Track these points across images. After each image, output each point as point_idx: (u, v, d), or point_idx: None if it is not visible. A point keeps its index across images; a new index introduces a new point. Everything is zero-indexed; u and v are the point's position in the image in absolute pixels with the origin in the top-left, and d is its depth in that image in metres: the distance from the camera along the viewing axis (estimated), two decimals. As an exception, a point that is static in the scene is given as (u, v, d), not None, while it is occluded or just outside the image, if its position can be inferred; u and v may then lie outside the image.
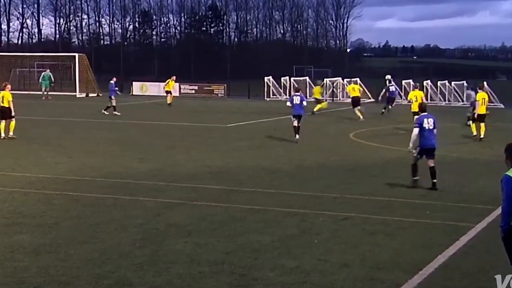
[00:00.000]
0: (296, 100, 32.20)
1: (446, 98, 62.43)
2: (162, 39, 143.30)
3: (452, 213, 17.04)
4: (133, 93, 71.61)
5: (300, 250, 13.51)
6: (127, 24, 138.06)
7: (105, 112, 45.92)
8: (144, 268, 12.20)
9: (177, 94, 70.29)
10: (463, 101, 61.39)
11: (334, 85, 66.06)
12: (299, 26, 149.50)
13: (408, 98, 40.94)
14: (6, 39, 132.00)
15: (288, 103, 33.18)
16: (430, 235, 14.83)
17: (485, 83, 42.85)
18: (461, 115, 44.91)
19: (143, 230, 14.99)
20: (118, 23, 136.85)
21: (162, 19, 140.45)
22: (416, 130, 20.44)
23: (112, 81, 48.96)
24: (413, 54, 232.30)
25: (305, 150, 28.98)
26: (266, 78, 67.23)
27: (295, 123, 31.57)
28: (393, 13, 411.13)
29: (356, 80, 58.76)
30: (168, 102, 55.86)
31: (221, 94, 70.82)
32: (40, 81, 64.44)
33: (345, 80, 66.46)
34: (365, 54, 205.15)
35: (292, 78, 67.86)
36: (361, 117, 42.60)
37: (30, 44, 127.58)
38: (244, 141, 31.73)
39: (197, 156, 26.62)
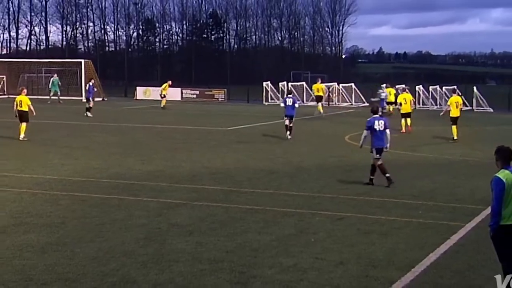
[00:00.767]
0: (289, 101, 34.36)
1: (438, 102, 62.49)
2: (165, 46, 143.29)
3: (444, 213, 17.03)
4: (137, 98, 71.71)
5: (297, 249, 13.49)
6: (131, 31, 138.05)
7: (89, 114, 46.86)
8: (147, 266, 12.18)
9: (179, 99, 70.45)
10: (466, 106, 61.50)
11: (330, 90, 66.07)
12: (296, 33, 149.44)
13: (398, 101, 41.18)
14: (15, 46, 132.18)
15: (282, 104, 35.75)
16: (423, 234, 14.82)
17: (462, 87, 43.17)
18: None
19: (146, 229, 14.97)
20: (122, 30, 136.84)
21: (164, 26, 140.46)
22: (365, 132, 21.24)
23: (90, 83, 49.90)
24: (406, 60, 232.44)
25: (302, 152, 28.98)
26: (264, 83, 67.35)
27: (287, 122, 33.63)
28: (387, 21, 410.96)
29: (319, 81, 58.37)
30: (162, 105, 56.41)
31: (221, 98, 70.85)
32: (49, 86, 64.38)
33: (340, 85, 66.58)
34: (360, 60, 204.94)
35: (289, 83, 67.93)
36: (321, 111, 43.41)
37: (38, 51, 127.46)
38: (244, 144, 31.72)
39: (198, 158, 26.60)
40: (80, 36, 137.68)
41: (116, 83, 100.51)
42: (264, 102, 65.85)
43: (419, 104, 60.89)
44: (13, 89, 71.57)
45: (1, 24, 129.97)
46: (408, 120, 38.71)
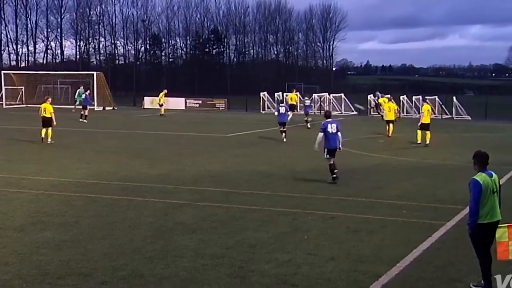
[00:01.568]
0: (282, 110, 36.82)
1: (420, 111, 62.41)
2: (170, 59, 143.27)
3: (426, 212, 17.02)
4: (145, 107, 71.77)
5: (292, 245, 13.48)
6: (139, 46, 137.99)
7: (84, 120, 48.07)
8: (154, 262, 12.16)
9: (183, 108, 70.49)
10: (434, 113, 61.60)
11: (322, 99, 66.12)
12: (290, 47, 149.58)
13: (383, 108, 41.55)
14: (33, 59, 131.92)
15: (276, 112, 37.70)
16: (407, 232, 14.81)
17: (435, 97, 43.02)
18: (434, 125, 44.75)
19: (153, 227, 14.96)
20: (131, 45, 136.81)
21: (170, 41, 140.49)
22: (320, 134, 21.71)
23: (86, 93, 52.10)
24: (391, 73, 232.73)
25: (297, 156, 28.96)
26: (261, 94, 67.39)
27: (282, 128, 35.61)
28: (374, 37, 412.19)
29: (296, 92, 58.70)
30: (162, 113, 57.73)
31: (222, 107, 70.95)
32: (75, 97, 63.67)
33: (331, 95, 66.62)
34: (349, 73, 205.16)
35: (284, 94, 67.97)
36: (290, 115, 44.05)
37: (54, 64, 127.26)
38: (243, 149, 31.69)
39: (200, 162, 26.58)
40: (93, 50, 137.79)
41: (126, 93, 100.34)
42: (261, 111, 65.79)
43: (403, 112, 60.94)
44: (30, 99, 71.71)
45: (20, 40, 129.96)
46: (391, 126, 39.07)
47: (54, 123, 33.17)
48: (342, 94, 65.54)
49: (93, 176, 22.61)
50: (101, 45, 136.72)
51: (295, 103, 55.34)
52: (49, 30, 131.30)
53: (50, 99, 34.89)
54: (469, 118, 58.76)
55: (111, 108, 68.03)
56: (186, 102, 72.79)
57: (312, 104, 48.39)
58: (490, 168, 10.93)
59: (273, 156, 28.90)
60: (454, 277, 11.51)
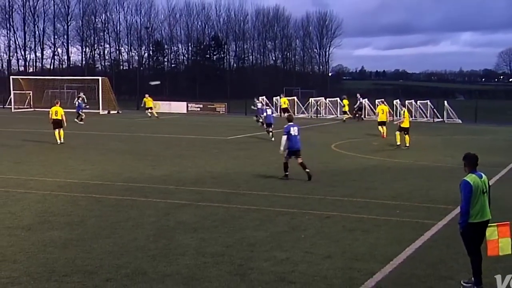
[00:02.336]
0: (269, 111, 38.94)
1: (413, 114, 62.51)
2: (172, 65, 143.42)
3: (419, 212, 17.01)
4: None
5: (289, 244, 13.46)
6: (143, 52, 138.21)
7: (80, 121, 50.20)
8: (157, 259, 12.14)
9: (185, 111, 70.51)
10: (426, 117, 61.70)
11: (318, 103, 66.14)
12: (288, 53, 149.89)
13: (376, 111, 41.71)
14: (40, 65, 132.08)
15: (264, 114, 39.56)
16: (400, 231, 14.79)
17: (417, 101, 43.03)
18: (426, 128, 44.93)
19: (156, 227, 14.93)
20: (135, 51, 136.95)
21: (172, 48, 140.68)
22: (284, 137, 22.27)
23: (79, 100, 54.86)
24: (385, 78, 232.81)
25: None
26: (260, 98, 67.24)
27: (269, 129, 37.14)
28: (369, 43, 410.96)
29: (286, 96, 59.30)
30: (155, 115, 58.93)
31: (222, 111, 70.96)
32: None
33: (327, 99, 66.65)
34: (344, 78, 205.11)
35: (274, 98, 68.09)
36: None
37: (61, 69, 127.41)
38: (242, 151, 31.66)
39: (201, 164, 26.55)
40: (98, 56, 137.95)
41: (129, 97, 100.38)
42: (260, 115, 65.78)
43: (396, 116, 60.96)
44: (38, 103, 71.69)
45: (28, 46, 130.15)
46: (384, 127, 39.33)
47: (65, 124, 34.23)
48: (338, 99, 65.50)
49: (97, 177, 22.59)
50: (106, 51, 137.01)
51: (287, 107, 57.05)
52: (56, 37, 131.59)
53: (59, 102, 36.25)
54: (460, 122, 58.82)
55: (115, 111, 68.02)
56: (187, 106, 72.81)
57: (264, 108, 48.75)
58: (480, 170, 10.93)
59: (271, 158, 28.84)
60: (445, 275, 11.50)
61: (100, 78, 71.26)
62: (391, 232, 14.71)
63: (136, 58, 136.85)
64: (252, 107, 51.35)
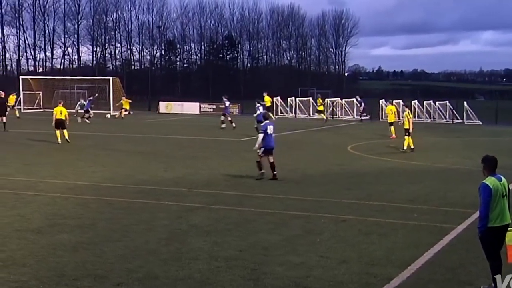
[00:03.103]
0: (261, 109, 41.33)
1: (431, 115, 62.43)
2: (185, 65, 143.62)
3: (437, 215, 16.97)
4: (160, 111, 71.93)
5: (304, 248, 13.47)
6: (155, 51, 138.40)
7: (87, 120, 52.00)
8: (168, 263, 12.18)
9: (198, 112, 70.59)
10: (445, 118, 61.51)
11: (334, 104, 66.06)
12: (303, 53, 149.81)
13: (386, 112, 41.76)
14: (50, 65, 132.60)
15: (258, 111, 41.68)
16: (418, 235, 14.76)
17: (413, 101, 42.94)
18: (445, 130, 44.79)
19: (168, 230, 14.98)
20: (146, 50, 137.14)
21: (184, 47, 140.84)
22: (261, 135, 23.04)
23: (90, 98, 57.76)
24: (403, 78, 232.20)
25: (309, 160, 28.96)
26: (275, 98, 67.18)
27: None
28: (386, 42, 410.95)
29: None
30: (121, 116, 60.44)
31: (235, 112, 70.75)
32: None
33: (343, 100, 66.57)
34: (361, 78, 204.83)
35: (297, 99, 68.03)
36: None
37: (71, 69, 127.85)
38: (255, 153, 31.60)
39: (214, 165, 26.60)
40: (109, 56, 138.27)
41: (141, 98, 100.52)
42: (274, 116, 65.77)
43: (414, 117, 60.88)
44: (48, 103, 71.88)
45: (38, 45, 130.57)
46: (392, 128, 39.63)
47: (67, 122, 35.64)
48: (354, 99, 65.41)
49: (108, 179, 22.67)
50: (117, 51, 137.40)
51: (269, 105, 58.10)
52: (66, 36, 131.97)
53: (62, 102, 38.07)
54: (480, 123, 58.55)
55: (126, 113, 68.15)
56: (200, 107, 72.87)
57: (228, 104, 49.36)
58: (500, 172, 10.90)
59: (285, 160, 28.84)
60: (464, 280, 11.47)
61: (111, 78, 71.41)
62: (409, 236, 14.69)
63: (148, 57, 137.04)
64: (221, 105, 51.79)
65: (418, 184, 22.50)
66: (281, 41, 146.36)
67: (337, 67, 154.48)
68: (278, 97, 67.63)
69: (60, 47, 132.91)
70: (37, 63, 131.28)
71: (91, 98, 58.71)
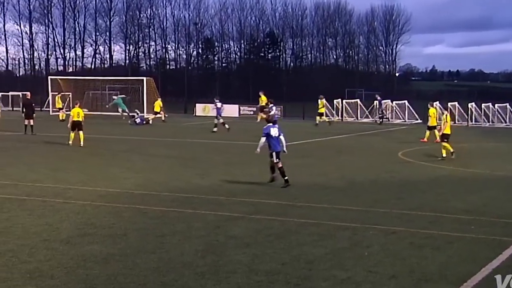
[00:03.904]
0: (275, 109, 43.62)
1: (490, 119, 61.80)
2: (223, 64, 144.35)
3: (496, 228, 16.78)
4: (196, 114, 72.15)
5: (351, 262, 13.41)
6: (191, 50, 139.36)
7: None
8: (205, 277, 12.20)
9: (237, 115, 70.71)
10: (505, 122, 60.87)
11: (384, 107, 65.71)
12: (351, 51, 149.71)
13: (429, 114, 41.58)
14: (80, 64, 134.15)
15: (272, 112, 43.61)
16: (475, 249, 14.61)
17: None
18: (504, 135, 44.25)
19: (204, 241, 15.01)
20: (183, 49, 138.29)
21: (223, 45, 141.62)
22: (263, 139, 23.27)
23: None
24: (458, 78, 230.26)
25: (356, 167, 28.85)
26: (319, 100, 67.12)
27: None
28: (441, 40, 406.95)
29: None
30: (162, 118, 60.15)
31: (277, 115, 70.62)
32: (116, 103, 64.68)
33: (394, 102, 66.19)
34: (413, 78, 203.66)
35: (344, 100, 67.86)
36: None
37: (102, 69, 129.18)
38: (299, 159, 31.58)
39: (254, 172, 26.59)
40: (142, 54, 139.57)
41: (176, 99, 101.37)
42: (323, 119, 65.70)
43: (471, 121, 60.42)
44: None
45: (68, 44, 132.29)
46: (428, 132, 39.70)
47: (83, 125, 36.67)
48: (406, 101, 65.06)
49: (141, 186, 22.82)
50: (151, 49, 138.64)
51: (264, 105, 58.95)
52: (97, 33, 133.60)
53: (79, 103, 39.31)
54: (544, 128, 57.90)
55: (161, 116, 68.54)
56: (239, 109, 73.04)
57: (220, 106, 49.56)
58: None
59: (330, 166, 28.82)
60: (526, 298, 11.32)
61: (144, 78, 71.76)
62: (465, 250, 14.54)
63: (184, 56, 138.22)
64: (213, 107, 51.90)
65: (476, 193, 22.28)
66: (327, 38, 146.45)
67: (387, 66, 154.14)
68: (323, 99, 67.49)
69: (91, 45, 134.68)
70: (66, 63, 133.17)
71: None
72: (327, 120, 58.58)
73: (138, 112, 59.94)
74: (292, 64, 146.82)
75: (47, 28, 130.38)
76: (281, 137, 23.59)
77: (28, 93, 47.66)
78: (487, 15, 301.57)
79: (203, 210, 18.56)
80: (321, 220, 17.36)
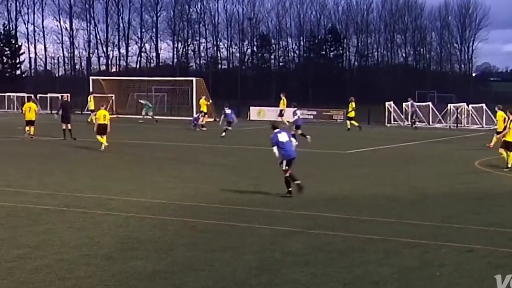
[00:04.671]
0: (299, 113, 46.06)
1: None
2: (280, 63, 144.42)
3: None
4: (250, 118, 72.08)
5: (421, 282, 13.32)
6: (245, 48, 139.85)
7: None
8: (259, 297, 12.22)
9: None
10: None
11: (459, 111, 65.02)
12: (422, 49, 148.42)
13: (497, 118, 40.96)
14: (124, 63, 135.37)
15: (296, 117, 45.42)
16: (562, 270, 14.39)
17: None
18: None
19: (259, 258, 15.03)
20: (236, 47, 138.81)
21: (280, 42, 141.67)
22: (275, 148, 23.32)
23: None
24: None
25: (428, 177, 28.62)
26: (387, 103, 66.84)
27: (299, 132, 41.56)
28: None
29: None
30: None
31: (340, 119, 70.31)
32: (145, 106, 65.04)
33: (470, 106, 65.44)
34: (492, 79, 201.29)
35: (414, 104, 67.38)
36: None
37: (148, 68, 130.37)
38: (363, 168, 31.49)
39: (313, 183, 26.49)
40: (192, 53, 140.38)
41: (229, 102, 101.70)
42: (386, 124, 65.37)
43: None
44: (121, 108, 72.85)
45: (111, 41, 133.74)
46: (496, 137, 39.15)
47: (109, 129, 37.76)
48: (484, 105, 64.27)
49: (190, 197, 22.93)
50: (201, 47, 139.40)
51: (283, 108, 61.31)
52: (143, 30, 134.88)
53: (105, 105, 41.38)
54: None
55: (212, 119, 68.85)
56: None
57: (230, 112, 50.81)
58: None
59: (398, 176, 28.64)
60: None
61: (194, 79, 72.18)
62: (550, 271, 14.34)
63: (237, 55, 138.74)
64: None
65: (562, 207, 21.96)
66: (395, 35, 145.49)
67: (462, 66, 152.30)
68: (391, 102, 67.14)
69: (136, 43, 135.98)
70: (109, 62, 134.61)
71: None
72: (356, 125, 58.03)
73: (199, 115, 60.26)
74: (356, 64, 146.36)
75: (88, 24, 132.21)
76: (293, 139, 24.15)
77: (67, 95, 48.33)
78: None
79: (257, 224, 18.59)
80: (387, 236, 17.27)
